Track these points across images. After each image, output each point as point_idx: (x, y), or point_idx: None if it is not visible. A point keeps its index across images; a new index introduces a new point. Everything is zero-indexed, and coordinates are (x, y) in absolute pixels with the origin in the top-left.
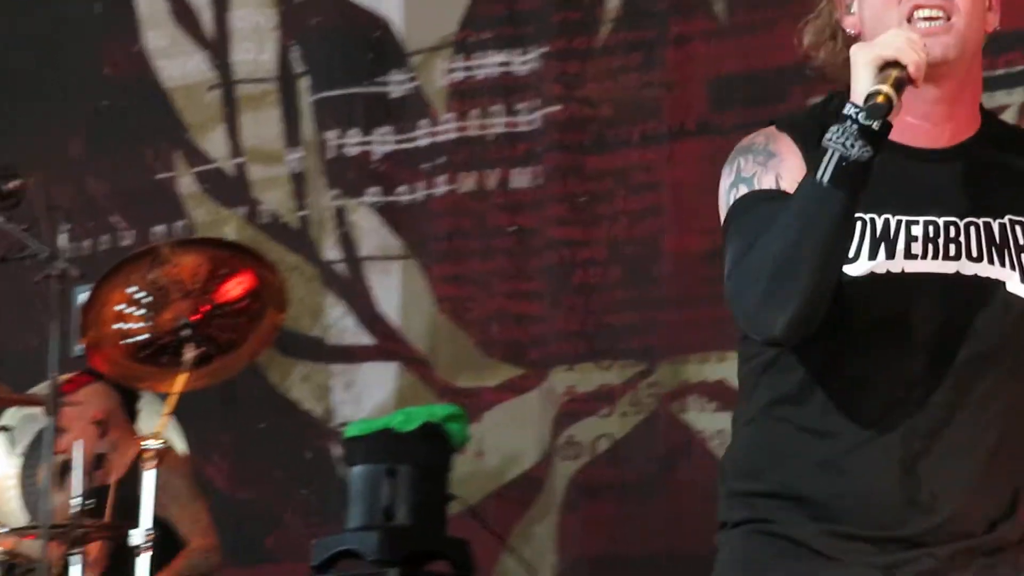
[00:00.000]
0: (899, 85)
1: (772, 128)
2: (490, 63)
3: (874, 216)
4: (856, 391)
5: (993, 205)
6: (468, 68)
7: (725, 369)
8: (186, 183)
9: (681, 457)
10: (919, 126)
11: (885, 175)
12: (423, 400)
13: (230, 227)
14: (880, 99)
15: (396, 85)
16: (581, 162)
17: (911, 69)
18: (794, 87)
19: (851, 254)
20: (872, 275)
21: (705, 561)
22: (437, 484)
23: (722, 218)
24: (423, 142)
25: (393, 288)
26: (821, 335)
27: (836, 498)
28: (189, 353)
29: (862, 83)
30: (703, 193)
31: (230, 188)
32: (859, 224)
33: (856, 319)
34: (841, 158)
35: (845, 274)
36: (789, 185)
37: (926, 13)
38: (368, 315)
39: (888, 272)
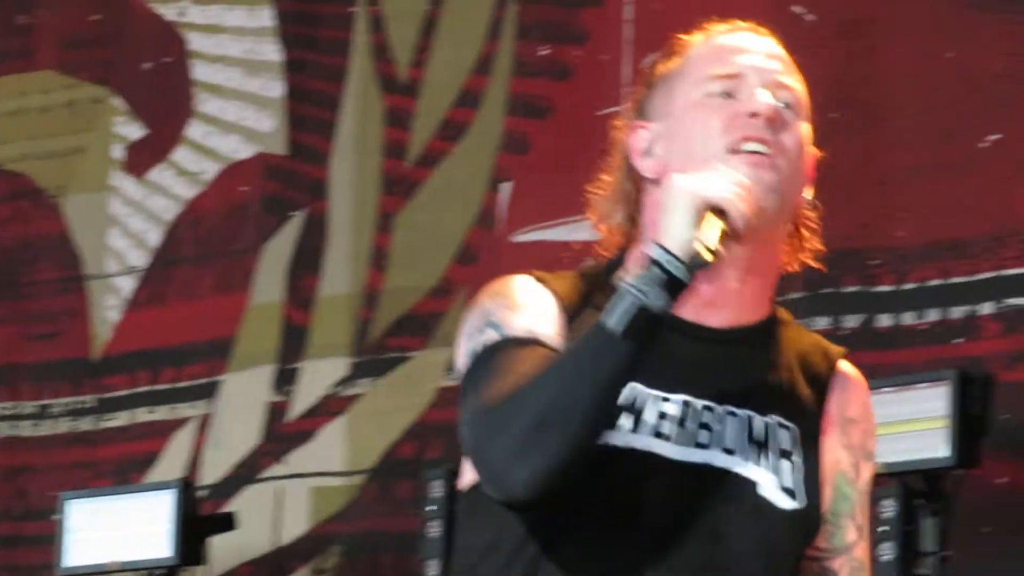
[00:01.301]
0: (723, 240)
1: (528, 278)
2: None
3: (633, 387)
4: (571, 563)
5: (762, 401)
6: None
7: None
8: None
9: None
10: (700, 292)
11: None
12: None
13: None
14: (707, 255)
15: None
16: None
17: (737, 222)
18: None
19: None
20: (609, 447)
21: None
22: None
23: (462, 365)
24: None
25: None
26: (562, 505)
27: None
28: None
29: (677, 227)
30: None
31: None
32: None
33: (579, 491)
34: (640, 307)
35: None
36: (545, 336)
37: (754, 147)
38: None
39: (628, 447)
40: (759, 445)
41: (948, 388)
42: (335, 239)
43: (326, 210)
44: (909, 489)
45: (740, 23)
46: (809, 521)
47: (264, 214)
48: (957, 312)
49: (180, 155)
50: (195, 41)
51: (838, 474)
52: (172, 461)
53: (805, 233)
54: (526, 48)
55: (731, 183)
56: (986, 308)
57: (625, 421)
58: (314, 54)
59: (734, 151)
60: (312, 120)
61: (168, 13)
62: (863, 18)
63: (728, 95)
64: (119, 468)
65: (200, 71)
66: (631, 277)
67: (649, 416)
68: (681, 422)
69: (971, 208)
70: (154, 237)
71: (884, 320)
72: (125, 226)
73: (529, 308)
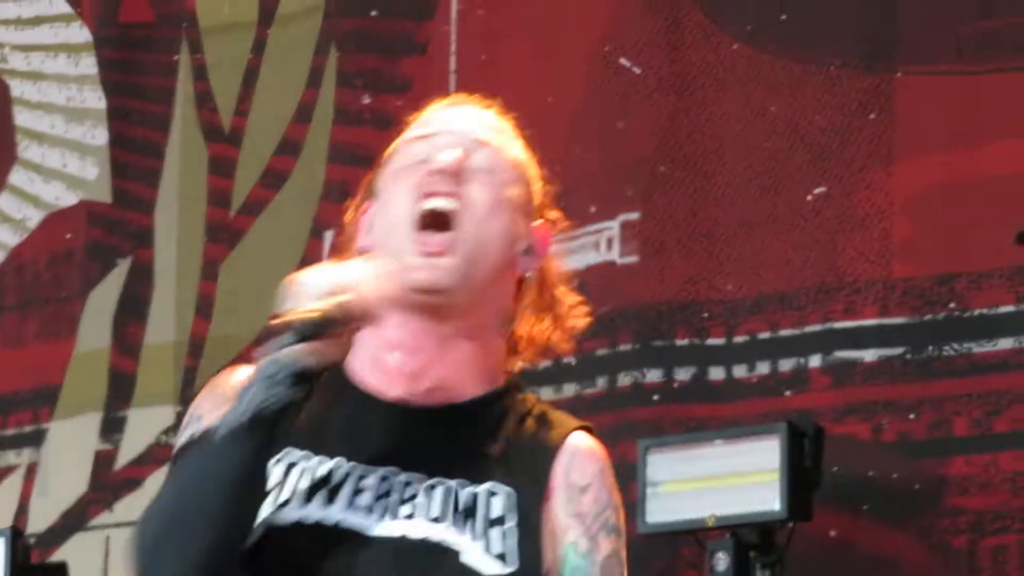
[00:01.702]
0: (330, 323)
1: (247, 370)
2: None
3: (320, 462)
4: None
5: (474, 471)
6: None
7: None
8: None
9: None
10: (397, 362)
11: (346, 416)
12: None
13: None
14: (296, 318)
15: None
16: None
17: (355, 306)
18: None
19: (282, 497)
20: (299, 525)
21: None
22: None
23: None
24: None
25: None
26: None
27: None
28: None
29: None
30: None
31: None
32: (295, 463)
33: (274, 567)
34: (262, 398)
35: (271, 519)
36: None
37: (434, 204)
38: None
39: (319, 523)
40: (466, 514)
41: (779, 441)
42: (160, 286)
43: (151, 257)
44: (742, 542)
45: (464, 98)
46: None
47: (89, 261)
48: (786, 365)
49: (3, 201)
50: (17, 87)
51: (567, 546)
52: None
53: (558, 305)
54: (348, 96)
55: (359, 272)
56: (815, 360)
57: (320, 496)
58: (138, 102)
59: (417, 226)
60: (136, 168)
61: None
62: (689, 72)
63: (423, 161)
64: None
65: (22, 117)
66: (257, 368)
67: (347, 490)
68: (383, 495)
69: (797, 261)
70: None
71: (716, 373)
72: None
73: (216, 401)
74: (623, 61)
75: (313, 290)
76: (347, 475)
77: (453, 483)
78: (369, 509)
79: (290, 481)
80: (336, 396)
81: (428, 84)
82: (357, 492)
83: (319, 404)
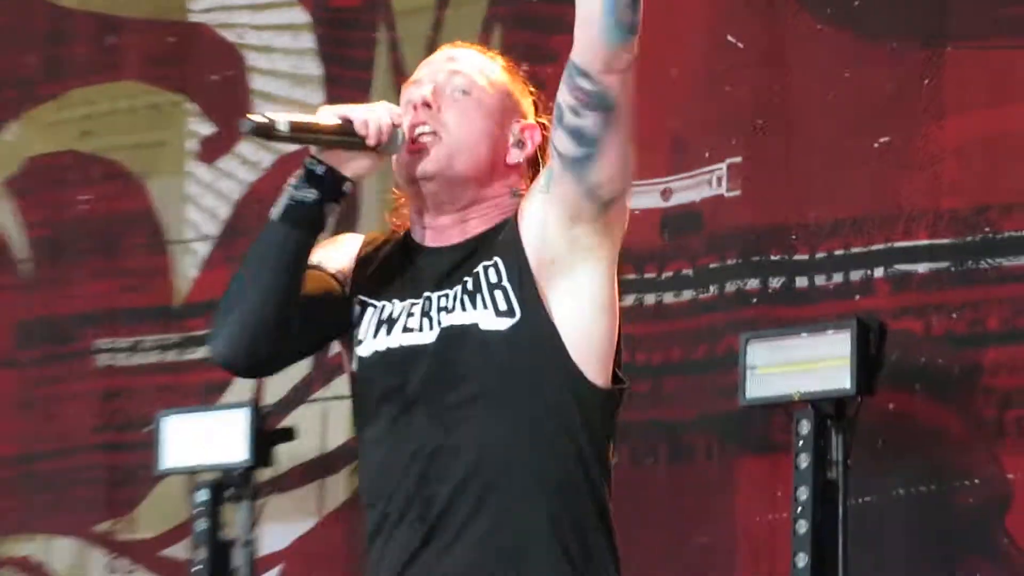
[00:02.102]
0: (330, 133)
1: (358, 234)
2: None
3: (384, 303)
4: (378, 454)
5: (474, 265)
6: None
7: (29, 548)
8: None
9: None
10: (430, 227)
11: (400, 267)
12: None
13: None
14: (254, 117)
15: None
16: None
17: (357, 125)
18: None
19: (360, 337)
20: (375, 352)
21: None
22: None
23: None
24: None
25: None
26: (357, 411)
27: (379, 559)
28: None
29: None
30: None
31: None
32: (369, 310)
33: (368, 391)
34: (289, 198)
35: (358, 356)
36: (325, 261)
37: (417, 131)
38: None
39: (387, 348)
40: (473, 293)
41: (850, 334)
42: (364, 214)
43: (356, 192)
44: (820, 412)
45: (450, 45)
46: (534, 327)
47: None
48: (856, 275)
49: (243, 148)
50: (251, 58)
51: (540, 198)
52: (242, 385)
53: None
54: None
55: (376, 105)
56: (879, 272)
57: (383, 330)
58: (346, 70)
59: (407, 141)
60: None
61: (230, 36)
62: (781, 47)
63: (408, 100)
64: (200, 391)
65: (256, 82)
66: (291, 180)
67: (401, 320)
68: (424, 314)
69: (866, 195)
70: (223, 212)
71: (801, 282)
72: (199, 203)
73: (329, 246)
74: (730, 38)
75: (330, 113)
76: (401, 309)
77: (463, 280)
78: (419, 328)
79: (365, 321)
80: (397, 254)
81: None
82: (409, 316)
83: (388, 261)
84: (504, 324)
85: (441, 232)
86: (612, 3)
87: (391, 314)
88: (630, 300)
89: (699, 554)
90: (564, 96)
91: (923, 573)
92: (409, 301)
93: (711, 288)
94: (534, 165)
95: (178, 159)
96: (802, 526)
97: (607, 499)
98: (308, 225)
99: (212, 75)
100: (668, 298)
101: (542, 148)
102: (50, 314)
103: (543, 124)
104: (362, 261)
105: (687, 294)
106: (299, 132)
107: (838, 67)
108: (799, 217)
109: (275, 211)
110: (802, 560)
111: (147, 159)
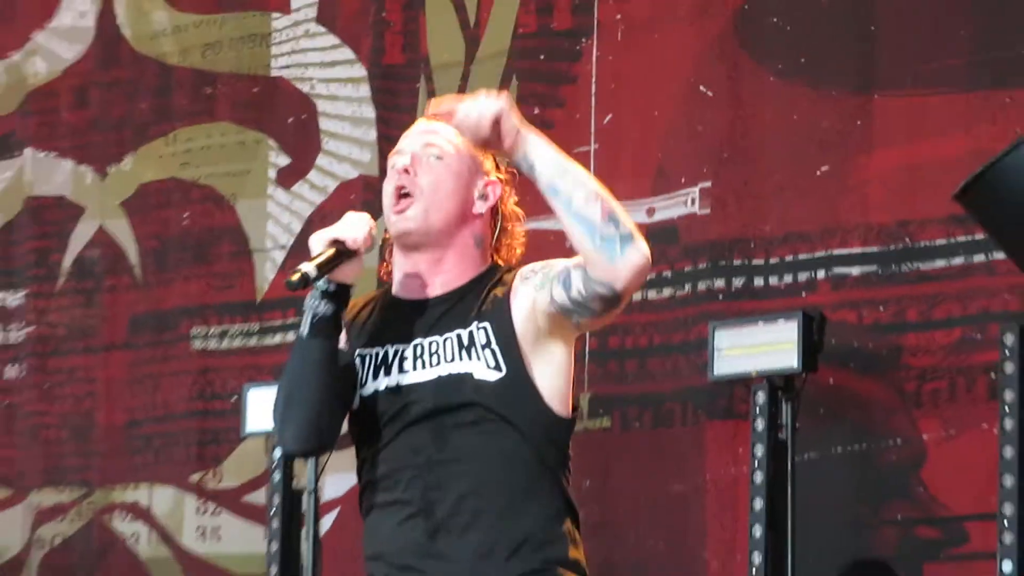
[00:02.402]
0: (334, 258)
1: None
2: None
3: (377, 349)
4: (391, 468)
5: (466, 320)
6: None
7: (137, 495)
8: None
9: (109, 551)
10: (413, 281)
11: (388, 319)
12: None
13: None
14: (295, 276)
15: None
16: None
17: (348, 243)
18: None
19: (361, 381)
20: (376, 392)
21: None
22: None
23: None
24: None
25: None
26: (363, 439)
27: (399, 549)
28: None
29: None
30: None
31: None
32: (367, 358)
33: (376, 422)
34: (312, 315)
35: (360, 396)
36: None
37: (402, 192)
38: None
39: (387, 387)
40: (468, 347)
41: (797, 323)
42: None
43: None
44: (773, 386)
45: (424, 120)
46: (516, 381)
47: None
48: (802, 276)
49: (312, 176)
50: (320, 105)
51: (533, 294)
52: None
53: (510, 235)
54: (524, 110)
55: (350, 219)
56: (821, 274)
57: (382, 372)
58: (395, 113)
59: (392, 203)
60: None
61: (303, 87)
62: (742, 94)
63: (393, 166)
64: (276, 369)
65: (324, 123)
66: (308, 297)
67: (396, 363)
68: (418, 357)
69: (811, 212)
70: (296, 226)
71: (758, 281)
72: (278, 219)
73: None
74: (701, 88)
75: (321, 241)
76: (395, 353)
77: (455, 333)
78: (414, 368)
79: (364, 368)
80: (385, 308)
81: (577, 103)
82: (403, 360)
83: (376, 315)
84: (494, 376)
85: (420, 281)
86: (591, 229)
87: (386, 357)
88: None
89: (676, 500)
90: (578, 284)
91: (856, 515)
92: (400, 346)
93: (686, 287)
94: (495, 213)
95: (261, 184)
96: (758, 477)
97: (569, 494)
98: (332, 331)
99: (288, 118)
100: (652, 295)
101: (502, 199)
102: (156, 309)
103: (502, 180)
104: (351, 324)
105: (667, 291)
106: (321, 269)
107: (788, 111)
108: (757, 231)
109: (304, 330)
110: (759, 504)
111: (236, 184)
